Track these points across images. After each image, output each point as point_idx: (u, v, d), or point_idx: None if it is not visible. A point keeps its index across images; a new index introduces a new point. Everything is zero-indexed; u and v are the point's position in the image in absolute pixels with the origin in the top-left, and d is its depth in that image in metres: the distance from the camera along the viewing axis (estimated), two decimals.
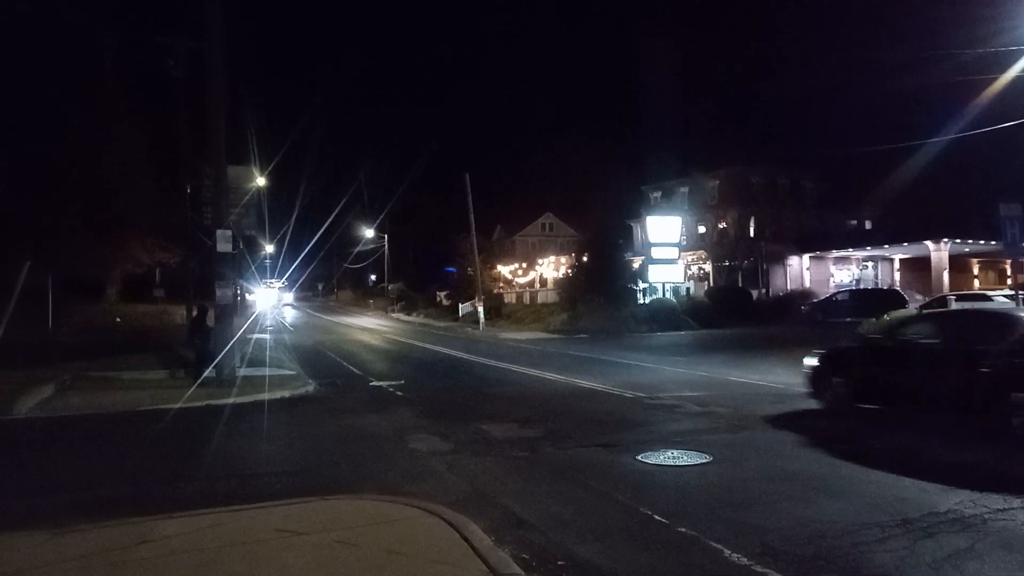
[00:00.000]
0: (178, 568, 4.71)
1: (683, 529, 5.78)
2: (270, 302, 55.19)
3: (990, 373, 8.73)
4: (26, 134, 29.61)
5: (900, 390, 10.17)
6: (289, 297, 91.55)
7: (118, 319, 33.02)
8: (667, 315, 36.86)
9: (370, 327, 49.62)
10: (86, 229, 31.46)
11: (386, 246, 72.53)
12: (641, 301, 40.34)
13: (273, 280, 76.69)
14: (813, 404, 11.77)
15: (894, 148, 38.81)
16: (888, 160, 42.21)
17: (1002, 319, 10.14)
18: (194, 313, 17.90)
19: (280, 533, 5.38)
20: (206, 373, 15.24)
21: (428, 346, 30.39)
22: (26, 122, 29.26)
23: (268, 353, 22.83)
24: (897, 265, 48.04)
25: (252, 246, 40.69)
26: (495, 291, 59.23)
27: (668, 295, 41.30)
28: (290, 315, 63.81)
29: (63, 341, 20.94)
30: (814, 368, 11.68)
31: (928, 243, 38.84)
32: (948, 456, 8.20)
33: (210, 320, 16.22)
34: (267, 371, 17.70)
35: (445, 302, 61.69)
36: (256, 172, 29.61)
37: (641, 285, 41.19)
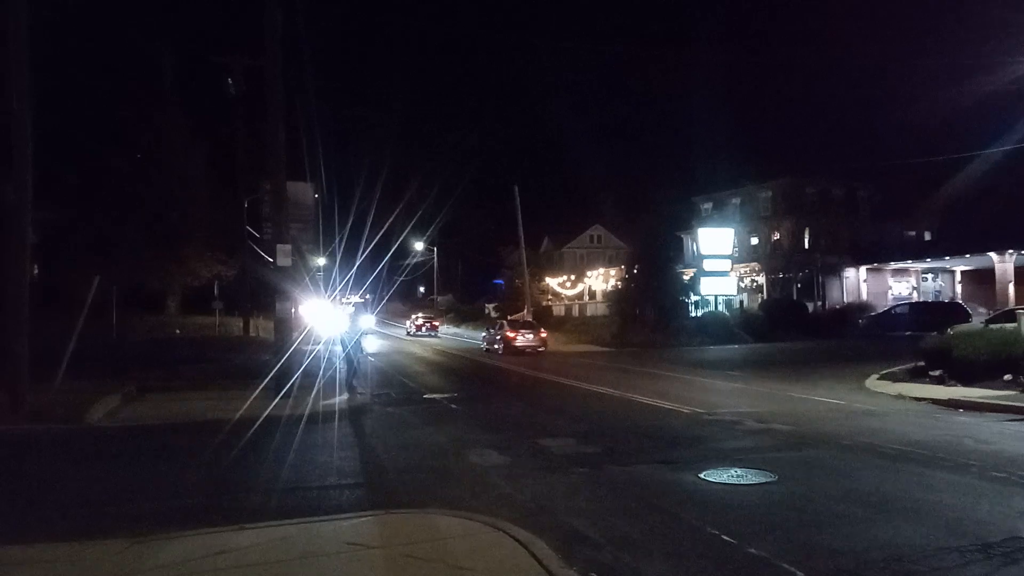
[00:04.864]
0: None
1: (753, 550, 5.67)
2: (339, 327, 23.32)
3: None
4: (93, 154, 30.87)
5: None
6: (371, 320, 54.96)
7: (177, 331, 33.92)
8: (720, 328, 36.41)
9: (420, 339, 50.07)
10: (149, 244, 32.53)
11: (435, 259, 73.17)
12: (693, 314, 39.93)
13: (348, 295, 51.08)
14: (875, 422, 11.54)
15: (954, 157, 37.74)
16: (948, 169, 41.01)
17: None
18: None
19: (350, 546, 5.45)
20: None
21: (478, 359, 30.51)
22: (93, 143, 30.51)
23: (322, 364, 23.17)
24: (958, 277, 46.64)
25: (313, 262, 41.24)
26: (543, 303, 59.32)
27: (720, 308, 40.78)
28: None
29: (127, 352, 21.64)
30: None
31: (992, 254, 37.63)
32: None
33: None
34: (323, 382, 17.92)
35: (493, 314, 61.94)
36: (311, 188, 30.17)
37: (693, 298, 40.77)
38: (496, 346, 33.56)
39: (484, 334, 38.15)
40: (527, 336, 32.83)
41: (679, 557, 5.61)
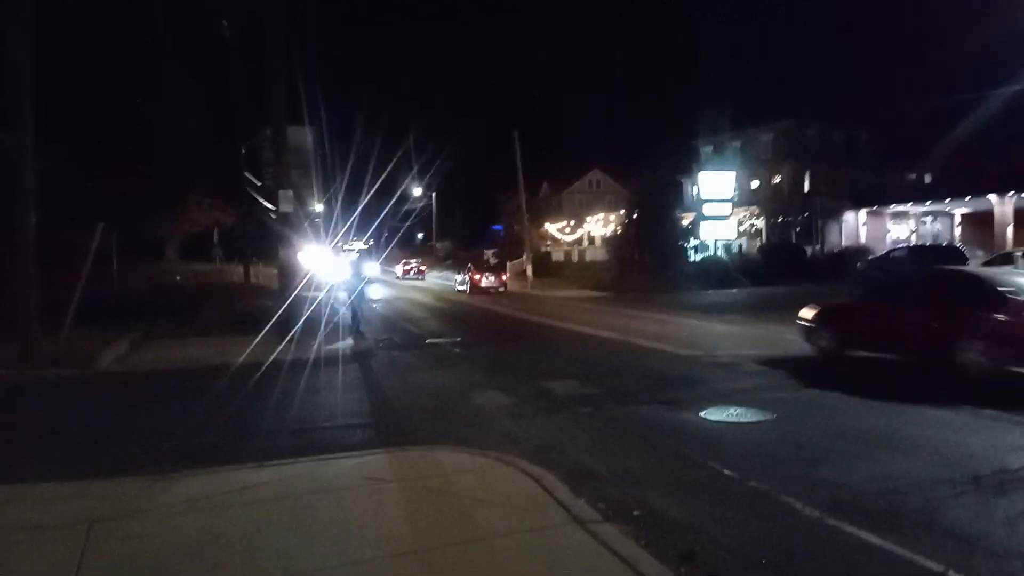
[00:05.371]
0: (281, 512, 5.03)
1: (753, 483, 5.91)
2: (342, 273, 22.14)
3: None
4: (88, 100, 30.51)
5: None
6: (375, 268, 54.22)
7: (178, 278, 33.95)
8: (718, 273, 36.53)
9: (419, 285, 50.33)
10: (147, 193, 32.39)
11: (434, 205, 72.90)
12: (692, 259, 40.05)
13: (350, 241, 48.79)
14: (869, 362, 11.79)
15: (956, 99, 37.34)
16: (950, 111, 40.56)
17: None
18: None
19: (368, 481, 5.68)
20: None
21: (478, 304, 30.74)
22: (88, 88, 30.12)
23: (325, 311, 23.35)
24: (957, 220, 46.63)
25: (312, 208, 41.10)
26: (543, 249, 59.39)
27: (720, 252, 40.88)
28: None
29: (130, 300, 21.75)
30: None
31: (991, 197, 37.56)
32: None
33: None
34: (327, 328, 18.07)
35: (492, 260, 62.09)
36: (310, 133, 29.93)
37: (692, 242, 40.83)
38: (464, 287, 39.18)
39: (457, 276, 43.47)
40: (489, 278, 38.89)
41: (682, 490, 5.85)
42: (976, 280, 10.83)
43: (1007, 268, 13.36)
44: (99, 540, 4.58)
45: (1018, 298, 9.55)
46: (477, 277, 38.87)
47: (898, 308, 11.26)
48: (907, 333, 10.79)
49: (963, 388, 9.19)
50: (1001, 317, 9.39)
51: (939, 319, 10.24)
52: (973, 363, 9.54)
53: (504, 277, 40.64)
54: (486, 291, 37.37)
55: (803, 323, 13.10)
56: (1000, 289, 9.90)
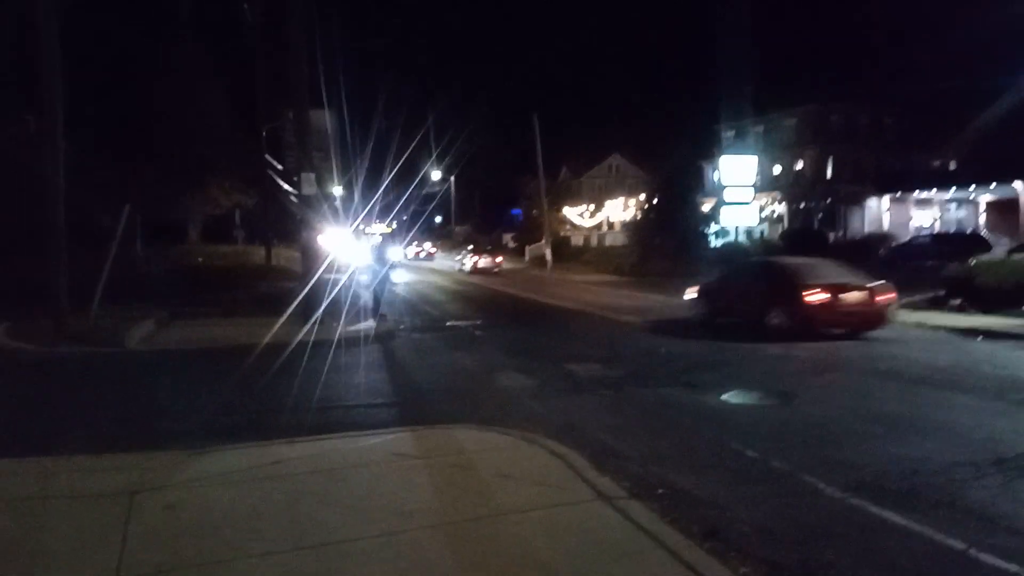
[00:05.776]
0: (314, 484, 5.16)
1: (776, 464, 5.97)
2: (365, 257, 20.72)
3: None
4: (108, 83, 30.70)
5: None
6: (399, 252, 51.86)
7: (200, 260, 34.29)
8: (739, 258, 36.31)
9: (438, 269, 50.55)
10: (169, 175, 32.64)
11: (452, 189, 72.93)
12: (713, 244, 39.84)
13: (372, 224, 45.23)
14: (895, 349, 11.78)
15: (982, 84, 36.71)
16: (976, 96, 39.86)
17: None
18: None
19: (396, 456, 5.81)
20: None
21: (498, 288, 30.85)
22: (108, 72, 30.29)
23: (348, 293, 23.51)
24: (982, 207, 45.95)
25: (331, 190, 41.23)
26: (562, 234, 59.33)
27: (740, 238, 40.62)
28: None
29: (154, 281, 22.05)
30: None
31: (1017, 184, 37.00)
32: None
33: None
34: (350, 310, 18.20)
35: (511, 245, 62.25)
36: (328, 116, 30.00)
37: (713, 228, 40.58)
38: (466, 267, 44.52)
39: (458, 257, 49.36)
40: (486, 260, 44.86)
41: (705, 468, 5.92)
42: (779, 268, 15.26)
43: (807, 259, 16.54)
44: (142, 508, 4.73)
45: (800, 282, 13.46)
46: (475, 258, 44.96)
47: (740, 287, 15.29)
48: (744, 305, 14.76)
49: (772, 339, 12.97)
50: (789, 295, 13.40)
51: (759, 295, 14.18)
52: (776, 325, 13.42)
53: (499, 259, 46.32)
54: (484, 271, 42.73)
55: (688, 298, 16.86)
56: (791, 275, 14.07)
